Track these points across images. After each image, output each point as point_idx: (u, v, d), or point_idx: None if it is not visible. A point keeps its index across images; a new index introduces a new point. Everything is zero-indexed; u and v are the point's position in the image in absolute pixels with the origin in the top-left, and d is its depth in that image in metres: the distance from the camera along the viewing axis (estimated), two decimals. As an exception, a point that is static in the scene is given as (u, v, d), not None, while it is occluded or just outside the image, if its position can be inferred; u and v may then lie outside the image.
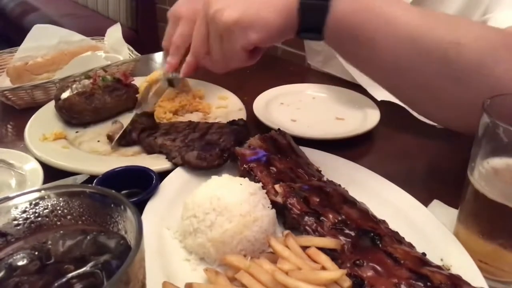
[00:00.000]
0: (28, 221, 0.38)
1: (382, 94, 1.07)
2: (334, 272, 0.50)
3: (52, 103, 0.97)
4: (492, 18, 0.82)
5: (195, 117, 1.00)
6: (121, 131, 0.87)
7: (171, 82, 0.86)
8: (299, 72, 1.39)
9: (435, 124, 1.00)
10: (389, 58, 0.65)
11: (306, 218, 0.62)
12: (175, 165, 0.77)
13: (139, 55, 1.25)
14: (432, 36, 0.62)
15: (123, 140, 0.87)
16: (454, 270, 0.56)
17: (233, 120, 0.88)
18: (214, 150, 0.76)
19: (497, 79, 0.62)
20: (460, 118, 0.69)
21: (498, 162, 0.55)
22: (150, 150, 0.84)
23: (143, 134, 0.86)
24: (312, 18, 0.63)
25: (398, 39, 0.63)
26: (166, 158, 0.79)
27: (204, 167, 0.74)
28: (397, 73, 0.67)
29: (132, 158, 0.83)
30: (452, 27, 0.64)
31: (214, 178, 0.65)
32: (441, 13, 0.71)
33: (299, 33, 0.65)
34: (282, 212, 0.65)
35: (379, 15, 0.63)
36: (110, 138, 0.87)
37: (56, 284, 0.33)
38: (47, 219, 0.38)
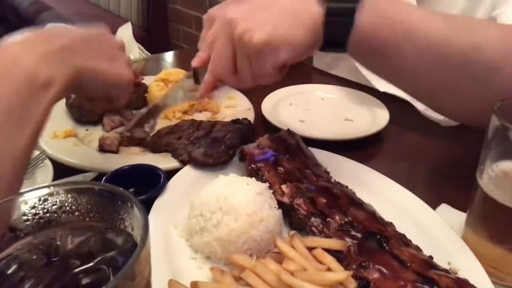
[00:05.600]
0: (37, 217, 0.38)
1: (384, 86, 1.09)
2: (339, 273, 0.50)
3: (63, 101, 0.98)
4: (503, 14, 0.82)
5: (203, 116, 1.01)
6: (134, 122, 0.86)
7: (197, 80, 0.82)
8: (308, 72, 1.38)
9: (444, 123, 1.00)
10: (412, 65, 0.67)
11: (313, 219, 0.62)
12: (182, 163, 0.77)
13: (149, 54, 1.26)
14: (452, 41, 0.64)
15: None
16: (462, 274, 0.55)
17: (237, 119, 0.89)
18: (220, 147, 0.76)
19: None
20: (481, 115, 0.69)
21: (508, 165, 0.55)
22: (155, 149, 0.85)
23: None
24: (337, 34, 0.64)
25: (419, 47, 0.65)
26: (172, 156, 0.80)
27: (211, 164, 0.75)
28: (417, 79, 0.70)
29: (141, 156, 0.84)
30: (472, 31, 0.65)
31: (221, 177, 0.66)
32: (460, 17, 0.72)
33: (324, 48, 0.66)
34: (288, 213, 0.65)
35: (398, 25, 0.65)
36: (101, 147, 0.84)
37: (63, 279, 0.34)
38: (55, 215, 0.39)
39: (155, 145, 0.84)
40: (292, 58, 0.66)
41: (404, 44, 0.65)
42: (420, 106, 1.04)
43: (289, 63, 0.68)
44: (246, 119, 0.89)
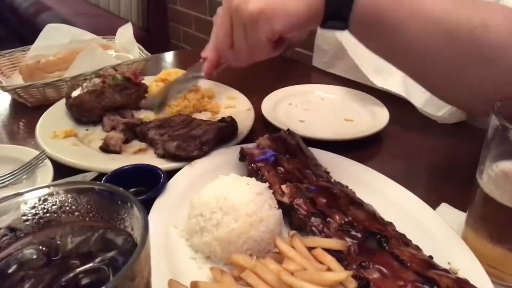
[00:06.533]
0: (36, 217, 0.38)
1: (382, 81, 1.09)
2: (339, 273, 0.50)
3: (63, 101, 0.98)
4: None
5: (203, 116, 1.01)
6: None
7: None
8: (307, 72, 1.39)
9: (441, 120, 1.00)
10: (416, 42, 0.65)
11: (313, 219, 0.62)
12: (159, 157, 0.81)
13: (149, 54, 1.26)
14: (459, 18, 0.62)
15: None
16: (462, 274, 0.55)
17: (223, 118, 0.91)
18: (194, 142, 0.79)
19: None
20: (485, 100, 0.66)
21: (508, 165, 0.55)
22: (142, 139, 0.88)
23: (140, 127, 0.89)
24: (338, 7, 0.64)
25: (425, 22, 0.63)
26: (154, 152, 0.83)
27: (183, 157, 0.78)
28: (423, 57, 0.67)
29: (141, 156, 0.84)
30: (479, 9, 0.64)
31: (221, 177, 0.66)
32: None
33: (324, 22, 0.65)
34: (288, 213, 0.65)
35: (405, 1, 0.63)
36: (105, 146, 0.84)
37: (63, 279, 0.34)
38: (55, 215, 0.39)
39: (142, 134, 0.87)
40: (287, 29, 0.64)
41: (409, 19, 0.63)
42: (417, 102, 1.04)
43: (285, 35, 0.67)
44: (230, 117, 0.90)
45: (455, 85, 0.69)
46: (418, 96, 1.03)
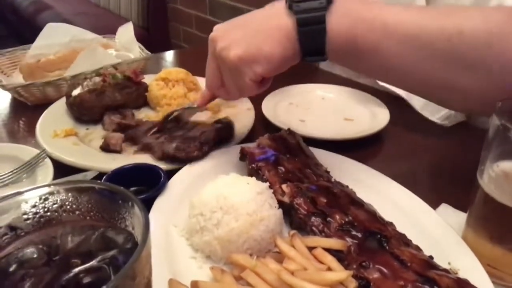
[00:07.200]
0: (37, 216, 0.38)
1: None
2: (340, 273, 0.50)
3: (63, 100, 0.98)
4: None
5: (204, 116, 1.00)
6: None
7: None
8: (308, 72, 1.38)
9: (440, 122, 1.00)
10: (397, 60, 0.65)
11: (313, 218, 0.62)
12: (156, 160, 0.79)
13: (149, 53, 1.26)
14: (432, 30, 0.62)
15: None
16: (462, 274, 0.55)
17: (219, 119, 0.91)
18: (194, 143, 0.78)
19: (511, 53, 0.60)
20: (483, 102, 0.66)
21: (508, 165, 0.54)
22: (136, 143, 0.87)
23: (132, 130, 0.88)
24: (312, 43, 0.65)
25: (400, 40, 0.63)
26: (150, 153, 0.82)
27: (183, 158, 0.77)
28: (407, 73, 0.67)
29: (141, 156, 0.83)
30: (452, 17, 0.63)
31: (222, 177, 0.66)
32: (437, 7, 0.69)
33: (304, 58, 0.68)
34: (288, 212, 0.65)
35: (374, 22, 0.63)
36: (106, 145, 0.84)
37: (64, 278, 0.34)
38: (55, 214, 0.39)
39: (136, 140, 0.86)
40: (268, 72, 0.68)
41: (384, 40, 0.63)
42: (416, 104, 1.04)
43: (266, 76, 0.70)
44: (226, 118, 0.90)
45: (448, 92, 0.68)
46: (417, 99, 1.03)
